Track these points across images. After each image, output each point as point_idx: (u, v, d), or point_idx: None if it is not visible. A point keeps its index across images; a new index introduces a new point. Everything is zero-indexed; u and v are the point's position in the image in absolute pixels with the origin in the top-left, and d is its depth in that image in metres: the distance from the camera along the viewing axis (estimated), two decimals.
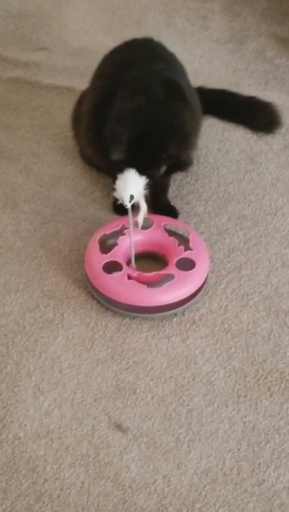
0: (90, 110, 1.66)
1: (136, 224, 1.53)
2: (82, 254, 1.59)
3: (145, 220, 1.56)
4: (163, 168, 1.50)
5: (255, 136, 1.93)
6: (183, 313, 1.51)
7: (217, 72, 2.16)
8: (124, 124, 1.47)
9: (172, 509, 1.22)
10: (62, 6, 2.42)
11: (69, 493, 1.24)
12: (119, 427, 1.33)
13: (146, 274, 1.51)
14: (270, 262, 1.62)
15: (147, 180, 1.45)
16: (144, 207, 1.52)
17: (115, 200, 1.64)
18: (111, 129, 1.50)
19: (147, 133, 1.47)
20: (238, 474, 1.27)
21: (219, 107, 1.90)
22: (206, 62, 2.20)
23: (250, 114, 1.88)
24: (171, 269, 1.51)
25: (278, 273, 1.59)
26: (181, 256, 1.53)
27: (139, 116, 1.49)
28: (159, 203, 1.70)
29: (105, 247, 1.56)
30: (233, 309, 1.52)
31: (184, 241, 1.58)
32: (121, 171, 1.45)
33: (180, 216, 1.71)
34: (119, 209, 1.64)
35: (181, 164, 1.53)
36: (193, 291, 1.50)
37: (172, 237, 1.58)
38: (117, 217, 1.68)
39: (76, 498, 1.24)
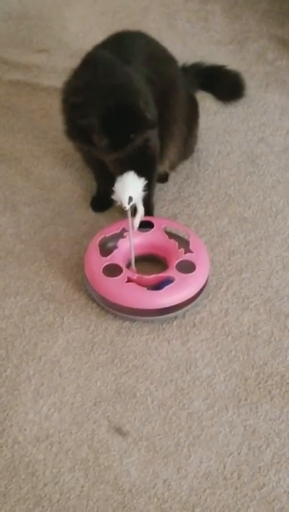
0: None
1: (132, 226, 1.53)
2: (82, 257, 1.59)
3: None
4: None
5: (256, 138, 1.92)
6: (183, 316, 1.51)
7: None
8: (87, 112, 1.45)
9: None
10: (62, 9, 2.42)
11: (69, 498, 1.24)
12: (119, 430, 1.33)
13: (146, 277, 1.50)
14: (270, 265, 1.61)
15: (146, 182, 1.45)
16: (141, 209, 1.51)
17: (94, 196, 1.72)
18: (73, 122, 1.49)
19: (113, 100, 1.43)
20: (239, 478, 1.26)
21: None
22: None
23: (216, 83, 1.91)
24: (172, 271, 1.51)
25: (279, 276, 1.59)
26: (182, 258, 1.53)
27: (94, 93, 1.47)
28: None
29: (105, 249, 1.56)
30: (233, 312, 1.52)
31: (184, 243, 1.57)
32: (120, 171, 1.44)
33: (180, 219, 1.70)
34: (96, 205, 1.73)
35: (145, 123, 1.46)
36: (193, 294, 1.50)
37: (172, 240, 1.58)
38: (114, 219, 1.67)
39: (76, 502, 1.23)
